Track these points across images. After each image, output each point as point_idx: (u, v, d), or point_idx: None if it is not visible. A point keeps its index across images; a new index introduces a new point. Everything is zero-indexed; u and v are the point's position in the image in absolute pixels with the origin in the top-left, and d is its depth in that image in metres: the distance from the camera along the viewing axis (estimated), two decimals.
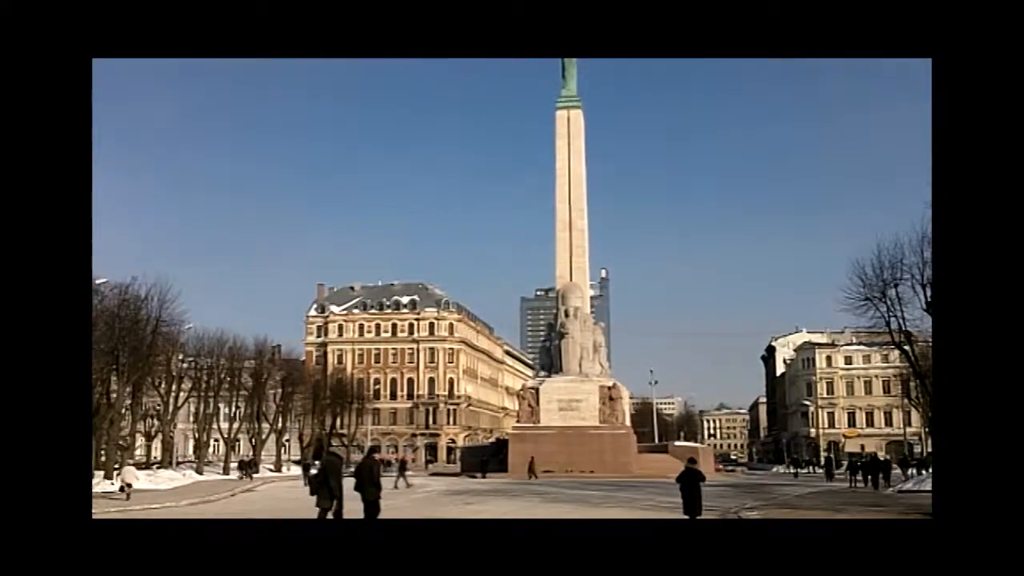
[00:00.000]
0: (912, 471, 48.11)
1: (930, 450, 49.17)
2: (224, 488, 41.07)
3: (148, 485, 40.46)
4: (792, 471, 69.84)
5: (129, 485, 35.42)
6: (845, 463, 58.67)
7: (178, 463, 61.51)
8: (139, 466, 52.95)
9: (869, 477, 42.57)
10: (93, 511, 24.24)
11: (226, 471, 57.49)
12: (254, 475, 54.38)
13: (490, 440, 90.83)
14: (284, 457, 70.19)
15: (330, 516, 16.08)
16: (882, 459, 53.18)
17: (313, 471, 24.28)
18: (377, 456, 18.43)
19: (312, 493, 16.61)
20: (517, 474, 52.97)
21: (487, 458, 58.79)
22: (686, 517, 17.94)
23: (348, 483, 16.66)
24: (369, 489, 16.60)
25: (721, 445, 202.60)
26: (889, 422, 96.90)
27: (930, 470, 45.39)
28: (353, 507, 16.44)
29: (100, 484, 38.16)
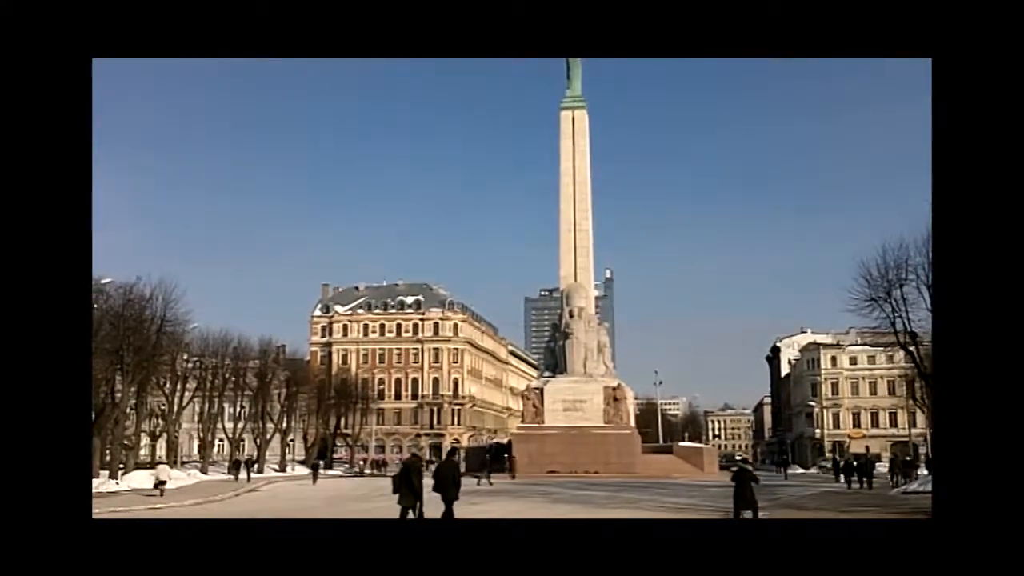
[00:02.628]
0: (900, 475, 47.36)
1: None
2: (229, 488, 41.16)
3: (151, 484, 40.59)
4: (782, 471, 66.21)
5: (163, 482, 36.07)
6: (842, 462, 58.20)
7: (182, 463, 61.64)
8: (142, 466, 53.05)
9: (864, 478, 42.34)
10: (127, 508, 24.52)
11: (230, 471, 57.55)
12: (251, 475, 52.29)
13: (492, 441, 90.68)
14: (289, 457, 70.23)
15: (411, 515, 16.75)
16: (908, 459, 52.84)
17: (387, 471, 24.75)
18: (456, 458, 19.16)
19: (394, 491, 17.25)
20: (520, 474, 52.79)
21: (489, 459, 58.74)
22: (733, 512, 19.23)
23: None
24: (450, 489, 17.32)
25: (726, 446, 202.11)
26: (894, 423, 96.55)
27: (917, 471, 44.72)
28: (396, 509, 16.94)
29: (105, 484, 38.32)
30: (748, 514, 18.97)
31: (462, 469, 46.20)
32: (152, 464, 58.97)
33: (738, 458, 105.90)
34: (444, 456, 19.49)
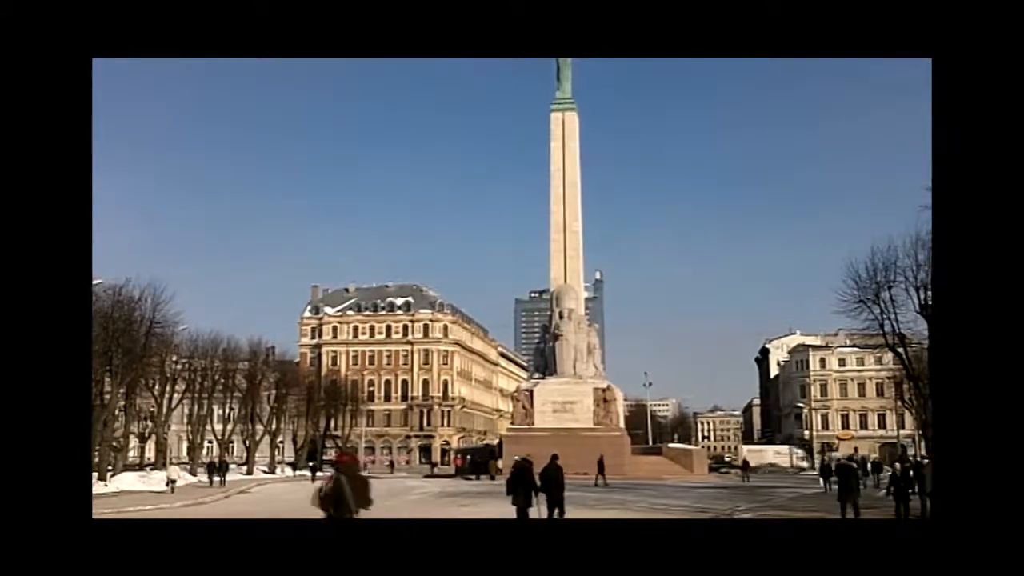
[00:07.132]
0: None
1: (923, 453, 48.85)
2: (217, 491, 41.03)
3: (141, 486, 40.50)
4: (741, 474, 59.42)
5: (174, 481, 36.35)
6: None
7: (170, 464, 61.43)
8: (131, 468, 52.78)
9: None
10: (141, 506, 24.82)
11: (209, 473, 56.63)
12: (224, 479, 46.98)
13: (483, 442, 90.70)
14: (278, 459, 70.02)
15: (529, 515, 17.77)
16: (876, 461, 52.51)
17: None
18: (559, 461, 19.88)
19: (508, 493, 18.40)
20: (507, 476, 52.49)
21: (479, 460, 58.71)
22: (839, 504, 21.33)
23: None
24: (555, 489, 18.58)
25: (715, 447, 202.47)
26: (883, 424, 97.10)
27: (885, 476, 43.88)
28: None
29: (94, 485, 38.16)
30: (851, 508, 20.83)
31: (451, 470, 46.39)
32: (141, 466, 58.80)
33: (728, 459, 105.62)
34: (534, 460, 20.06)
